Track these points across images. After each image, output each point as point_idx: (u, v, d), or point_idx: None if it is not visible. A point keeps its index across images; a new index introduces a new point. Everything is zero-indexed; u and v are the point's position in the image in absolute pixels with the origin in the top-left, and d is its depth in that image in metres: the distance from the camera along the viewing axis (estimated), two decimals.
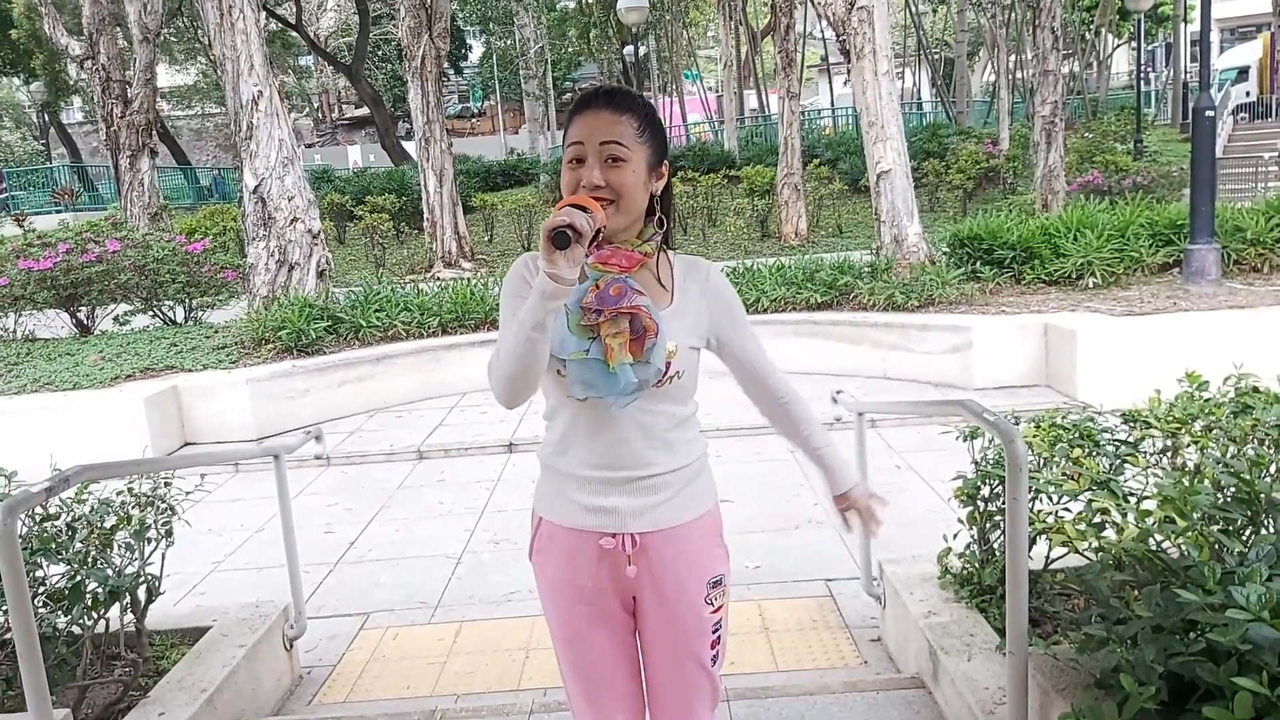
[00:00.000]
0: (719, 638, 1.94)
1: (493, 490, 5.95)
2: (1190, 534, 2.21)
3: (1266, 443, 2.75)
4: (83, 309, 9.73)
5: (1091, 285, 8.19)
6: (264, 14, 12.03)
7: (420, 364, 8.33)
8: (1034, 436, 2.93)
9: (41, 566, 2.78)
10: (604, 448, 1.80)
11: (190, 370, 7.63)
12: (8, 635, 2.54)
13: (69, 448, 5.67)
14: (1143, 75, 27.47)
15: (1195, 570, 1.92)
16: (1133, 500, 2.54)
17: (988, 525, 3.07)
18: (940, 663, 2.83)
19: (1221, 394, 3.05)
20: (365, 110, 39.33)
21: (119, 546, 2.98)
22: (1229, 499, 2.29)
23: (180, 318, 10.10)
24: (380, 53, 41.84)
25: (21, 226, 12.43)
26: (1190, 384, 3.09)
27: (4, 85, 40.51)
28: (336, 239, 20.37)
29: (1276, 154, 18.08)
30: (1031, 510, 2.63)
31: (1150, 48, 36.65)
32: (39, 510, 2.87)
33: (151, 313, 9.92)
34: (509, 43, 37.15)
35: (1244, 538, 2.26)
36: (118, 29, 17.69)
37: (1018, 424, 2.95)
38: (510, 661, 3.68)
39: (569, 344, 1.72)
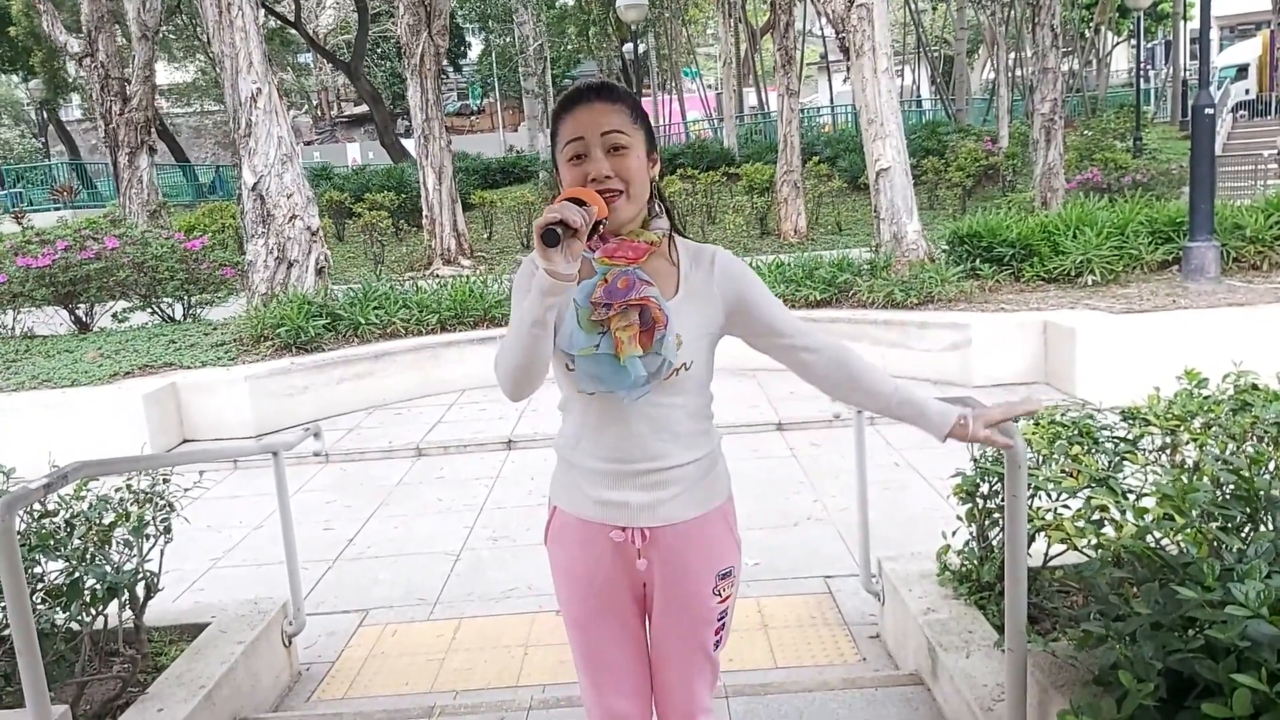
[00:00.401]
0: (724, 625, 1.98)
1: (491, 487, 5.95)
2: (1189, 531, 2.21)
3: (1265, 440, 2.74)
4: (81, 306, 9.72)
5: (1090, 283, 8.19)
6: (263, 11, 12.02)
7: (419, 361, 8.33)
8: (1033, 434, 2.93)
9: (40, 563, 2.78)
10: (614, 441, 1.81)
11: (189, 367, 7.62)
12: (6, 632, 2.54)
13: (68, 444, 5.66)
14: (1142, 73, 27.47)
15: (1194, 567, 1.92)
16: (1131, 497, 2.54)
17: (986, 522, 3.08)
18: (939, 660, 2.84)
19: (1220, 391, 3.04)
20: (364, 108, 39.31)
21: (117, 543, 2.98)
22: (1228, 496, 2.30)
23: (179, 315, 10.09)
24: (379, 50, 41.79)
25: (20, 224, 12.43)
26: (1189, 381, 3.09)
27: (3, 82, 40.46)
28: (335, 236, 20.37)
29: (1276, 151, 18.08)
30: (1030, 507, 2.63)
31: (1150, 45, 36.65)
32: (37, 507, 2.86)
33: (150, 310, 9.92)
34: (508, 40, 37.06)
35: (1243, 535, 2.26)
36: (116, 26, 17.66)
37: (1017, 421, 2.95)
38: (509, 658, 3.68)
39: (579, 340, 1.73)
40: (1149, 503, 2.40)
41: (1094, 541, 2.47)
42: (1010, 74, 25.89)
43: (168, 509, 3.15)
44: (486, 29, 40.82)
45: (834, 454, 6.02)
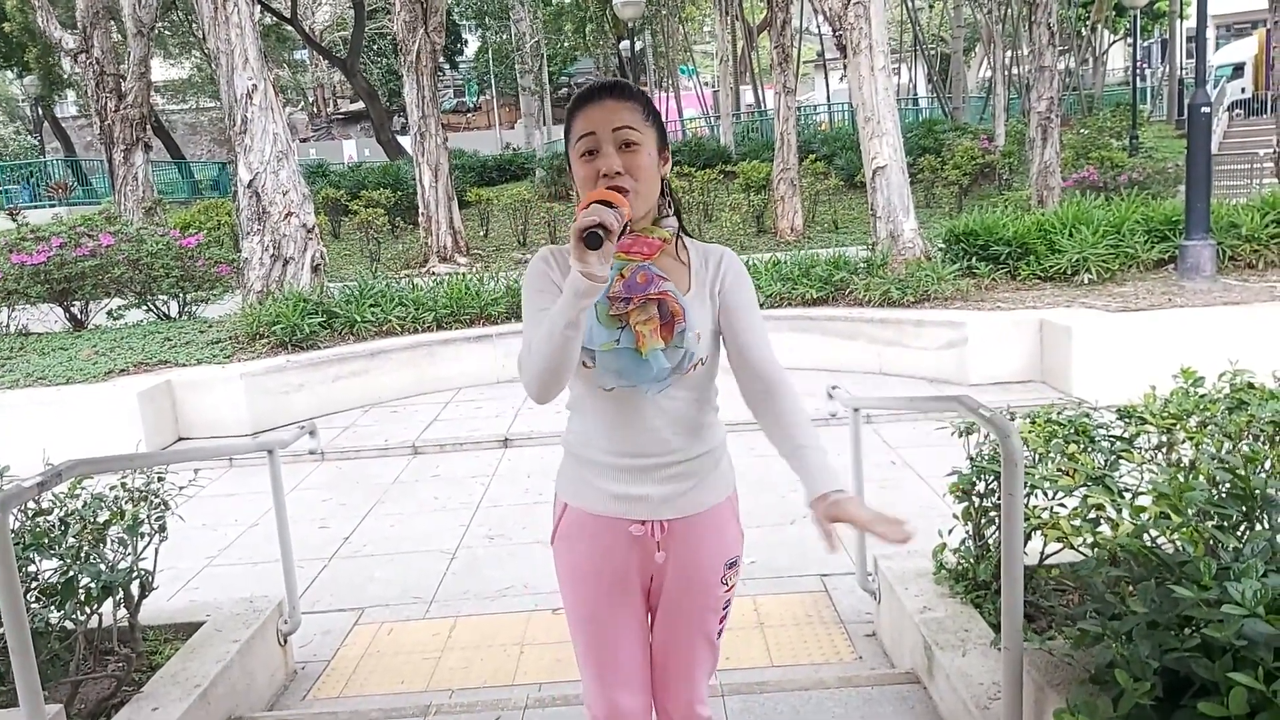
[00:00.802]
0: (727, 613, 2.02)
1: (488, 485, 5.94)
2: (1185, 530, 2.21)
3: (1261, 438, 2.75)
4: (76, 303, 9.70)
5: (1087, 281, 8.20)
6: (258, 8, 11.99)
7: (415, 359, 8.32)
8: (1029, 432, 2.93)
9: (34, 561, 2.77)
10: (632, 436, 1.83)
11: (184, 365, 7.61)
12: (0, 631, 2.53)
13: (62, 442, 5.64)
14: (1138, 71, 27.49)
15: (1190, 566, 1.93)
16: (1128, 496, 2.54)
17: (983, 521, 3.07)
18: (935, 658, 2.84)
19: (1216, 390, 3.05)
20: (360, 105, 39.25)
21: (112, 541, 2.97)
22: (1224, 495, 2.30)
23: (174, 312, 10.07)
24: (375, 47, 41.74)
25: (15, 220, 12.38)
26: (1185, 380, 3.09)
27: None
28: (331, 234, 20.33)
29: (1272, 150, 18.09)
30: (1026, 506, 2.63)
31: (1146, 44, 36.66)
32: (31, 505, 2.86)
33: (145, 307, 9.90)
34: (504, 37, 37.07)
35: (1239, 533, 2.26)
36: (112, 22, 17.60)
37: (1013, 420, 2.96)
38: (505, 656, 3.68)
39: (598, 335, 1.75)
40: (1145, 501, 2.40)
41: (1090, 540, 2.47)
42: (1007, 72, 25.90)
43: (163, 507, 3.14)
44: (483, 26, 40.80)
45: (830, 452, 6.01)
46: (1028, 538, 2.65)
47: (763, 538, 4.69)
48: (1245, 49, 31.72)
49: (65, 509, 2.95)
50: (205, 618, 3.43)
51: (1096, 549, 2.43)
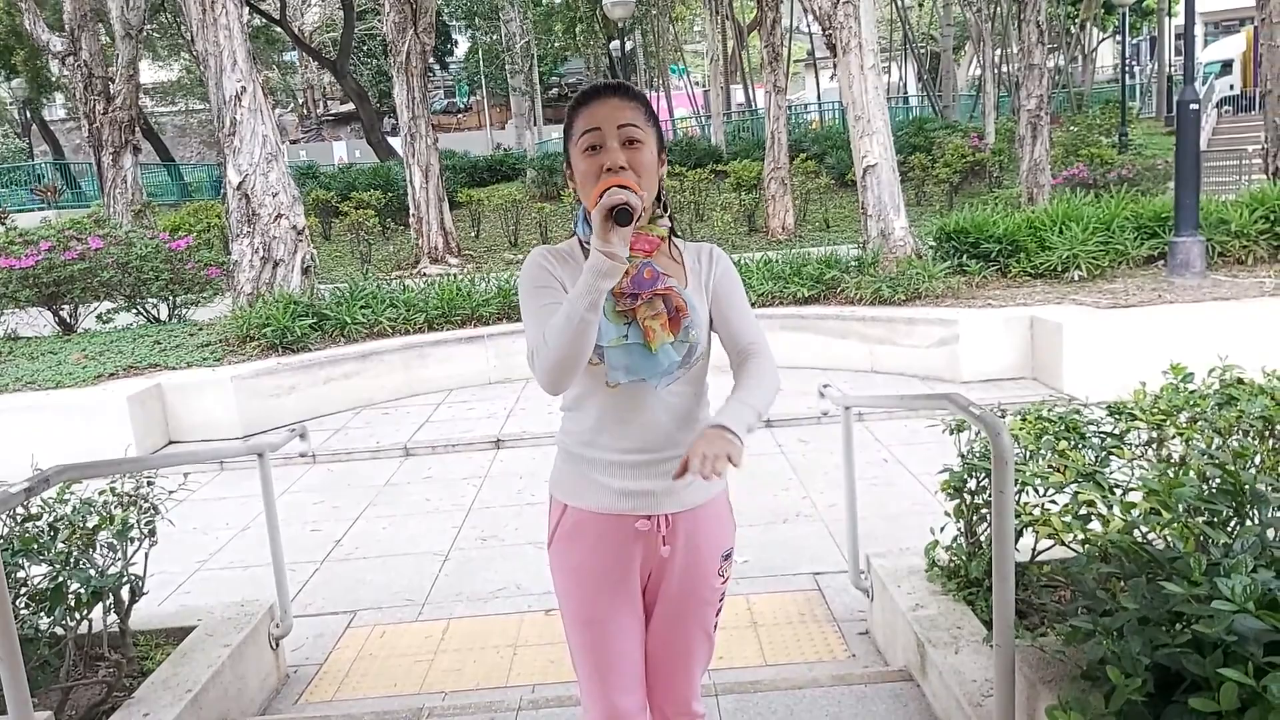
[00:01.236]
0: (722, 606, 2.04)
1: (480, 487, 5.93)
2: (1175, 526, 2.22)
3: (1251, 434, 2.76)
4: (65, 307, 9.66)
5: (1077, 278, 8.22)
6: (247, 9, 11.95)
7: (406, 361, 8.30)
8: (1020, 429, 2.93)
9: (23, 567, 2.76)
10: (637, 431, 1.85)
11: (174, 368, 7.58)
12: None
13: (51, 447, 5.63)
14: (1127, 69, 27.59)
15: (1181, 562, 1.93)
16: (1118, 492, 2.54)
17: (974, 518, 3.08)
18: (928, 655, 2.84)
19: (1206, 386, 3.06)
20: (350, 106, 39.15)
21: (102, 546, 2.96)
22: (1214, 491, 2.30)
23: (164, 315, 10.04)
24: (365, 48, 41.63)
25: (3, 224, 12.33)
26: (1175, 376, 3.10)
27: None
28: (322, 235, 20.29)
29: (1260, 146, 18.17)
30: (1018, 503, 2.63)
31: (1135, 41, 36.81)
32: (20, 510, 2.84)
33: (135, 310, 9.86)
34: (495, 38, 37.01)
35: (1229, 529, 2.27)
36: (100, 25, 17.55)
37: (1004, 417, 2.97)
38: (498, 658, 3.67)
39: (606, 331, 1.77)
40: (1135, 497, 2.41)
41: (1081, 537, 2.48)
42: (996, 70, 25.97)
43: (152, 511, 3.13)
44: (473, 27, 40.71)
45: (822, 450, 6.03)
46: (1019, 534, 2.65)
47: (756, 537, 4.69)
48: (1233, 46, 31.83)
49: (54, 514, 2.93)
50: (196, 622, 3.41)
51: (1087, 545, 2.44)
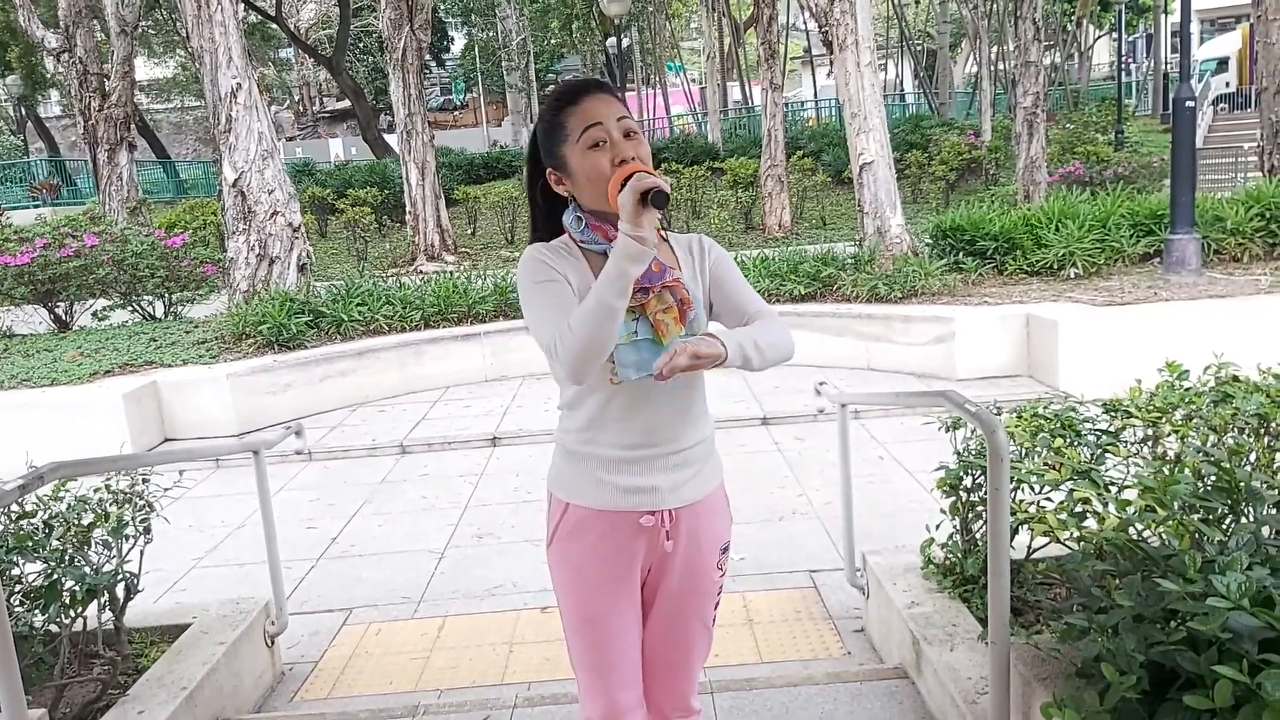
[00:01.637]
0: (719, 600, 2.06)
1: (476, 485, 5.93)
2: (1171, 523, 2.22)
3: (1246, 431, 2.76)
4: (61, 304, 9.63)
5: (1073, 275, 8.23)
6: (242, 6, 11.93)
7: (403, 358, 8.29)
8: (1016, 427, 2.94)
9: (18, 564, 2.75)
10: (640, 427, 1.84)
11: (170, 365, 7.57)
12: None
13: (47, 444, 5.62)
14: (1124, 66, 27.61)
15: (1176, 559, 1.93)
16: (1114, 490, 2.54)
17: (970, 515, 3.08)
18: (923, 653, 2.84)
19: (1202, 383, 3.06)
20: (346, 103, 39.09)
21: (96, 544, 2.95)
22: (1209, 488, 2.31)
23: (160, 313, 10.02)
24: (361, 45, 41.58)
25: None
26: (1171, 373, 3.10)
27: None
28: (318, 233, 20.26)
29: (1256, 144, 18.19)
30: (1013, 500, 2.63)
31: (1131, 39, 36.84)
32: (15, 508, 2.83)
33: (130, 308, 9.84)
34: (491, 35, 36.98)
35: (1224, 526, 2.27)
36: (95, 21, 17.47)
37: (999, 414, 2.96)
38: (494, 656, 3.67)
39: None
40: (1131, 495, 2.41)
41: (1076, 534, 2.48)
42: (993, 68, 25.98)
43: (147, 509, 3.12)
44: (469, 24, 40.67)
45: (818, 448, 6.03)
46: (1014, 532, 2.65)
47: (752, 534, 4.69)
48: (1229, 43, 31.89)
49: (49, 511, 2.92)
50: (191, 619, 3.41)
51: (1083, 543, 2.44)
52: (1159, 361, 3.19)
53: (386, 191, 20.44)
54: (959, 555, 3.14)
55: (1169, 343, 4.58)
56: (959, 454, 3.06)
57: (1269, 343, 4.53)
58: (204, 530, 5.41)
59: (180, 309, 10.14)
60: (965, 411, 2.39)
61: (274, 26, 30.33)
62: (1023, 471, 2.68)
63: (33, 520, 2.88)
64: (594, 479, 1.88)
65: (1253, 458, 2.67)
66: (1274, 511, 2.28)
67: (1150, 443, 2.91)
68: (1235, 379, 3.01)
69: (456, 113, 49.70)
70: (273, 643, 3.59)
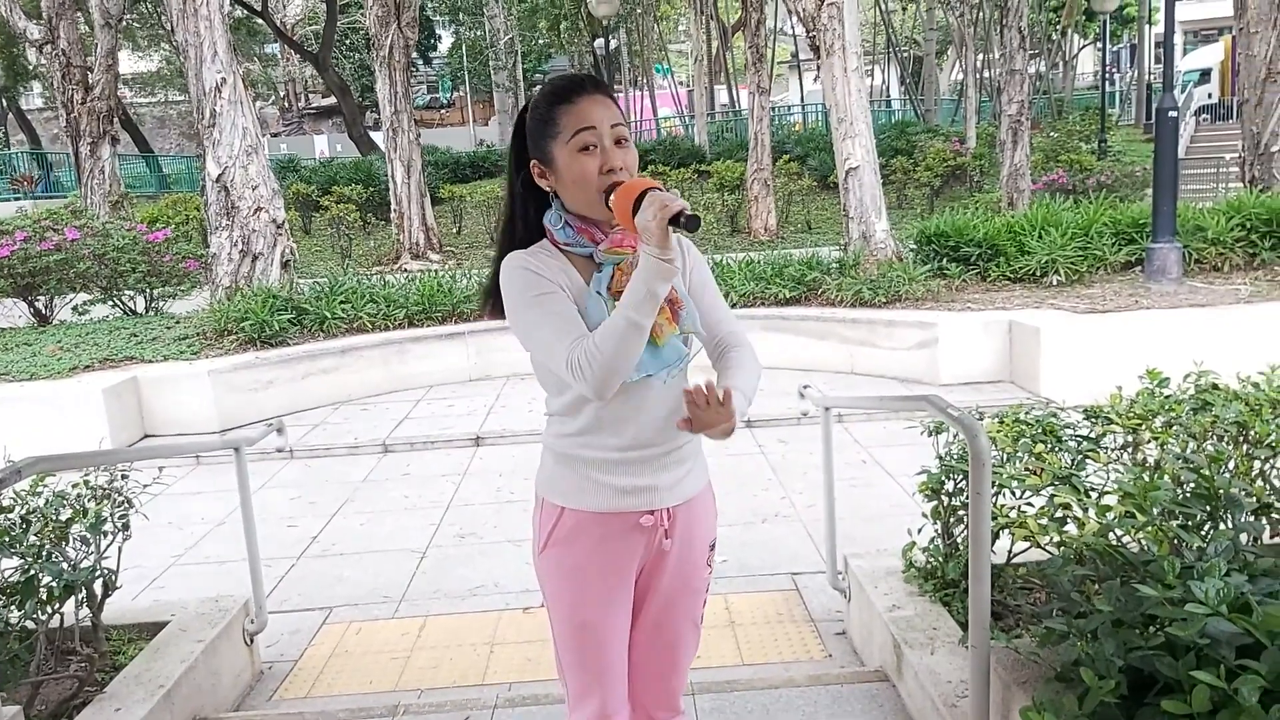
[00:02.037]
0: (706, 597, 2.07)
1: (458, 484, 5.91)
2: (1150, 529, 2.24)
3: (1225, 439, 2.78)
4: (41, 298, 9.55)
5: (1055, 283, 8.28)
6: (228, 0, 11.86)
7: (386, 356, 8.26)
8: (997, 432, 2.95)
9: None
10: (637, 428, 1.84)
11: (150, 361, 7.51)
12: None
13: (25, 439, 5.55)
14: (1107, 76, 27.82)
15: (1155, 565, 1.95)
16: (1094, 495, 2.56)
17: (951, 520, 3.09)
18: (904, 656, 2.85)
19: (1182, 391, 3.08)
20: (332, 99, 38.88)
21: (74, 540, 2.92)
22: (1188, 494, 2.32)
23: (141, 308, 9.95)
24: (348, 41, 41.39)
25: None
26: (1151, 381, 3.13)
27: None
28: (302, 229, 20.15)
29: (1237, 155, 18.37)
30: (994, 505, 2.65)
31: (1115, 49, 37.11)
32: None
33: (111, 302, 9.76)
34: (479, 34, 36.92)
35: (1203, 533, 2.29)
36: (78, 13, 17.32)
37: (981, 419, 2.98)
38: (475, 656, 3.66)
39: None
40: (1111, 501, 2.42)
41: (1057, 539, 2.49)
42: (978, 75, 26.13)
43: (126, 505, 3.10)
44: (457, 22, 40.60)
45: (801, 451, 6.05)
46: (995, 536, 2.67)
47: (735, 536, 4.69)
48: (1212, 55, 32.15)
49: (26, 506, 2.89)
50: (170, 617, 3.38)
51: (1063, 548, 2.46)
52: (1140, 369, 3.21)
53: (371, 189, 20.36)
54: (940, 559, 3.16)
55: (1150, 350, 4.62)
56: (941, 458, 3.07)
57: (1248, 351, 4.57)
58: (183, 527, 5.37)
59: (162, 304, 10.07)
60: (948, 416, 2.40)
61: (260, 21, 30.14)
62: (1004, 476, 2.70)
63: (10, 515, 2.85)
64: (591, 482, 1.86)
65: (1231, 465, 2.69)
66: (1252, 518, 2.30)
67: (1130, 449, 2.93)
68: (1215, 387, 3.04)
69: (443, 111, 49.58)
70: (252, 641, 3.57)
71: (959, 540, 3.10)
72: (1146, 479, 2.39)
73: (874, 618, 3.20)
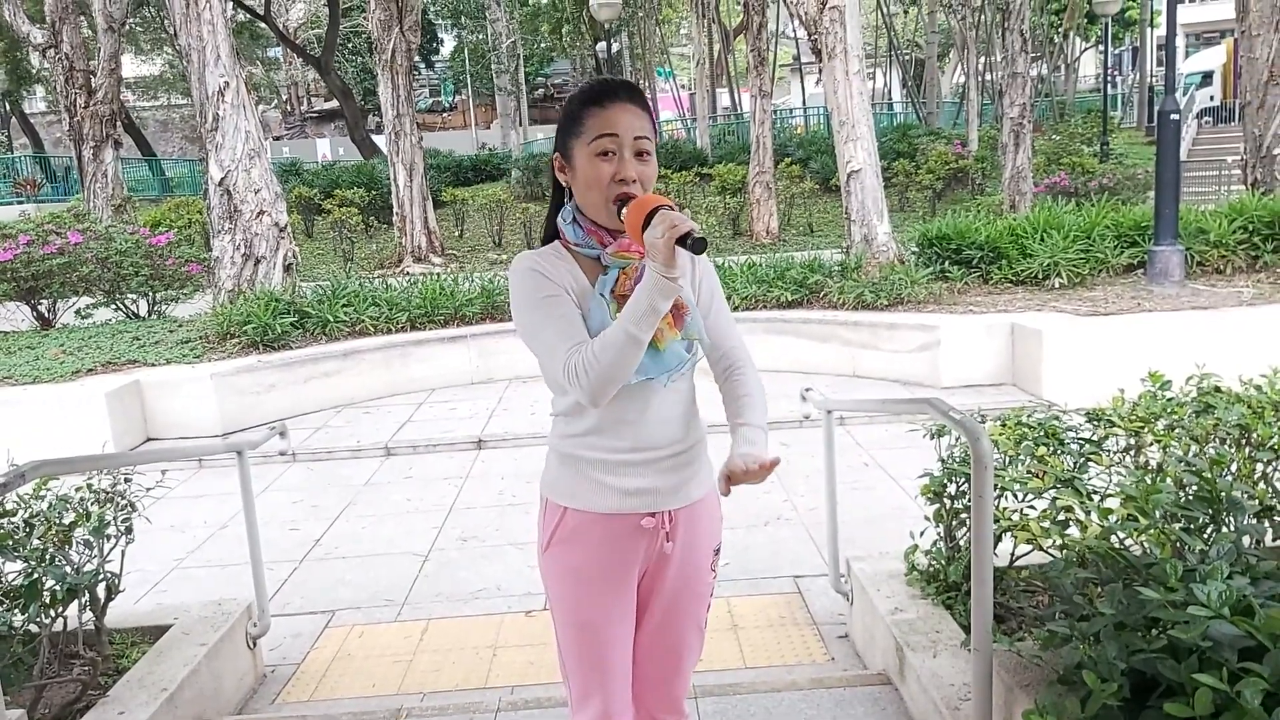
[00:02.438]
0: (710, 601, 2.08)
1: (461, 487, 5.91)
2: (1152, 532, 2.24)
3: (1228, 442, 2.78)
4: (44, 302, 9.56)
5: (1057, 285, 8.28)
6: (231, 4, 11.88)
7: (388, 360, 8.26)
8: (1000, 435, 2.95)
9: None
10: (639, 430, 1.86)
11: (153, 365, 7.52)
12: None
13: (28, 443, 5.56)
14: (1109, 78, 27.81)
15: (1157, 568, 1.94)
16: (1096, 498, 2.56)
17: (954, 523, 3.09)
18: (906, 659, 2.85)
19: (1184, 393, 3.08)
20: (334, 103, 38.93)
21: (78, 543, 2.93)
22: (1191, 497, 2.32)
23: (144, 311, 9.95)
24: (350, 45, 41.43)
25: None
26: (1153, 383, 3.13)
27: None
28: (304, 233, 20.19)
29: (1239, 157, 18.36)
30: (997, 508, 2.65)
31: (1117, 51, 37.13)
32: None
33: (114, 306, 9.77)
34: (481, 37, 36.93)
35: (1205, 536, 2.29)
36: (81, 17, 17.37)
37: (984, 422, 2.98)
38: (477, 659, 3.66)
39: None
40: (1113, 504, 2.42)
41: (1059, 542, 2.50)
42: (980, 78, 26.13)
43: (129, 509, 3.10)
44: (459, 26, 40.62)
45: (804, 454, 6.04)
46: (998, 539, 2.67)
47: (737, 539, 4.69)
48: (1214, 57, 32.13)
49: (30, 510, 2.90)
50: (173, 620, 3.39)
51: (1065, 551, 2.46)
52: (1142, 371, 3.21)
53: (374, 192, 20.39)
54: (943, 562, 3.16)
55: (1152, 353, 4.62)
56: (943, 461, 3.07)
57: (1251, 354, 4.56)
58: (186, 531, 5.38)
59: (164, 308, 10.08)
60: (950, 419, 2.40)
61: (262, 25, 30.21)
62: (1006, 479, 2.70)
63: (13, 519, 2.86)
64: (594, 482, 1.88)
65: (1234, 468, 2.69)
66: (1254, 521, 2.30)
67: (1133, 452, 2.93)
68: (1217, 390, 3.04)
69: (445, 115, 49.61)
70: (255, 644, 3.57)
71: (961, 543, 3.10)
72: (1149, 482, 2.39)
73: (876, 620, 3.20)
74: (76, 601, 2.90)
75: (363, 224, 19.20)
